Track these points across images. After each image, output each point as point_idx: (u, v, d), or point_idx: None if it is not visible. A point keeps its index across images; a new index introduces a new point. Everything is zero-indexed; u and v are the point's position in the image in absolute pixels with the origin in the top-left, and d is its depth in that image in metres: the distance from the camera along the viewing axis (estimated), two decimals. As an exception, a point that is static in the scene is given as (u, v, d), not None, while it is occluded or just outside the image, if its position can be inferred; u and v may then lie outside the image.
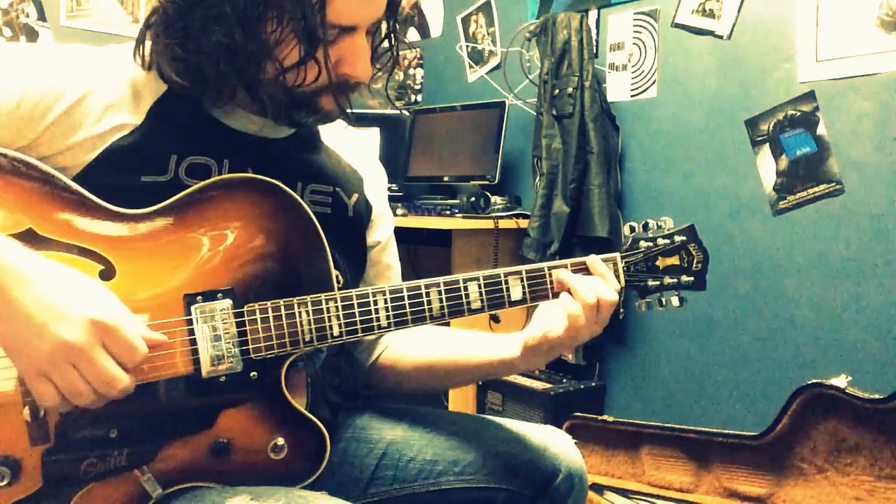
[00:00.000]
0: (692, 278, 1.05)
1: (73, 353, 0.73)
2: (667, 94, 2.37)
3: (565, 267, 0.99)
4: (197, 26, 0.85)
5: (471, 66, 3.02)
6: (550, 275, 0.98)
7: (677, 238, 1.04)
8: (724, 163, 2.23)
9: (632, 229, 1.05)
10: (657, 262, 1.04)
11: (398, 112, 3.03)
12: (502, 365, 1.05)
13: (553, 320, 0.97)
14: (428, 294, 0.94)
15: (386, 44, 0.99)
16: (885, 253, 1.92)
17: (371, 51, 0.95)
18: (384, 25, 0.97)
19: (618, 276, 1.02)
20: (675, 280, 1.04)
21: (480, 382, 2.41)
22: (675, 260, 1.04)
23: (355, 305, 0.91)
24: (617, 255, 1.02)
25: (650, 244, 1.04)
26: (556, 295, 0.98)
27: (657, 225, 1.05)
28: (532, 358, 1.01)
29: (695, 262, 1.05)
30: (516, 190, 2.77)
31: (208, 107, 0.94)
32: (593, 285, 0.96)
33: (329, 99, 0.92)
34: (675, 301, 1.05)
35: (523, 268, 0.98)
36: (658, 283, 1.04)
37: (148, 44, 0.91)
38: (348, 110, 0.95)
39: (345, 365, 1.10)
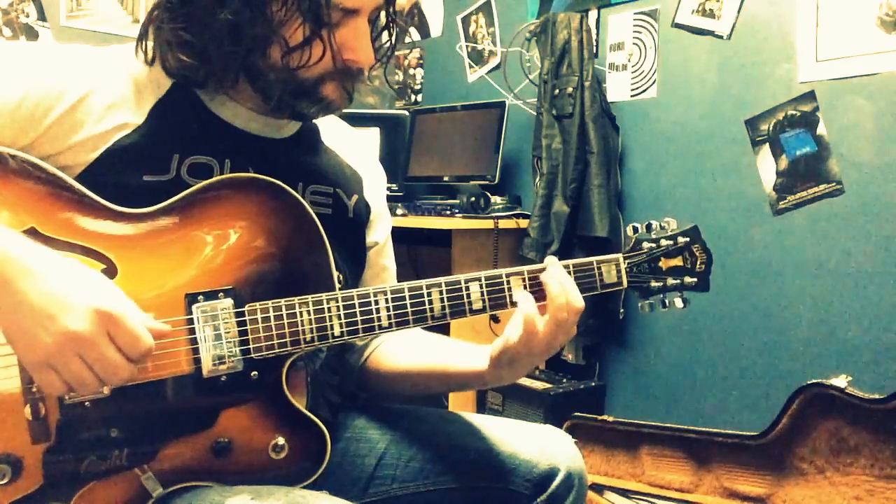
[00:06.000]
0: (695, 279, 1.04)
1: (79, 343, 0.74)
2: (667, 94, 2.37)
3: (521, 275, 0.95)
4: (202, 8, 0.86)
5: (471, 66, 3.02)
6: (509, 282, 0.95)
7: (681, 239, 1.04)
8: (724, 163, 2.23)
9: (635, 230, 1.04)
10: (660, 263, 1.03)
11: (398, 112, 3.03)
12: (473, 377, 1.02)
13: (512, 330, 0.94)
14: (429, 294, 0.93)
15: (385, 36, 1.00)
16: (884, 253, 1.92)
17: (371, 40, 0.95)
18: (383, 16, 0.98)
19: (620, 277, 1.01)
20: (679, 281, 1.04)
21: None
22: (678, 261, 1.04)
23: (356, 305, 0.91)
24: (619, 255, 1.02)
25: (653, 245, 1.03)
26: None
27: (661, 226, 1.04)
28: (497, 370, 0.98)
29: (698, 263, 1.04)
30: (516, 190, 2.77)
31: (210, 101, 0.94)
32: (563, 286, 0.93)
33: (332, 86, 0.93)
34: (678, 302, 1.04)
35: (525, 268, 0.97)
36: (661, 284, 1.03)
37: (150, 41, 0.91)
38: (346, 109, 0.96)
39: (342, 365, 1.10)
